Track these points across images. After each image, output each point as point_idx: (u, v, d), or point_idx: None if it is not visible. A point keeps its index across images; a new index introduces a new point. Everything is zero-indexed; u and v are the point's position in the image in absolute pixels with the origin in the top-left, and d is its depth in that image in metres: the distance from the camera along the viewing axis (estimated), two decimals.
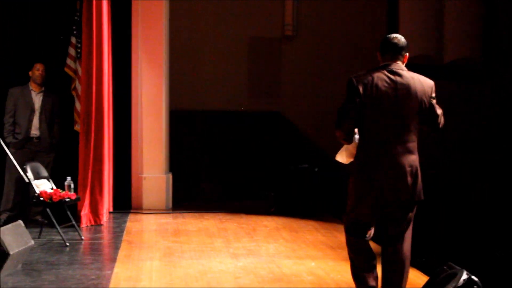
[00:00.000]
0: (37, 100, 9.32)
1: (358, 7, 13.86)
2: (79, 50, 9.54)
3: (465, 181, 11.84)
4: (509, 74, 13.52)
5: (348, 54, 12.92)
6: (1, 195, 9.30)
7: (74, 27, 9.66)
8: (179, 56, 12.76)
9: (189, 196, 11.86)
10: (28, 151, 9.15)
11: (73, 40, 9.69)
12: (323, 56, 13.43)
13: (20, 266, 6.82)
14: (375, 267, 5.30)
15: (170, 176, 10.82)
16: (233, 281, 6.48)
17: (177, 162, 11.58)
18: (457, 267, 5.33)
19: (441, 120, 5.15)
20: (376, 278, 5.28)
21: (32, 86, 9.35)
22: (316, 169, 10.47)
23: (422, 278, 6.32)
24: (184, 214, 10.25)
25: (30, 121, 9.22)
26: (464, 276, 5.14)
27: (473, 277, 5.14)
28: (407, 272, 5.23)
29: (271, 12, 13.79)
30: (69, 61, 9.74)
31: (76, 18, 9.64)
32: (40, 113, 9.29)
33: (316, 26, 13.86)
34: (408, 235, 5.19)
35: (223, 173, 12.98)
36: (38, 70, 9.34)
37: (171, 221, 9.73)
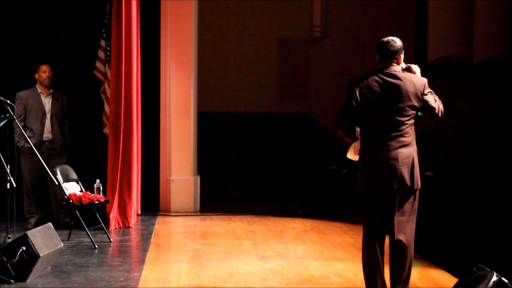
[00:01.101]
0: (47, 103, 9.22)
1: (387, 8, 13.81)
2: (108, 53, 9.56)
3: (496, 181, 11.75)
4: None
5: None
6: (22, 199, 9.18)
7: (103, 30, 9.68)
8: (208, 57, 12.81)
9: (217, 198, 11.87)
10: (42, 154, 8.94)
11: (103, 43, 9.71)
12: (352, 57, 13.38)
13: (49, 268, 6.86)
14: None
15: (198, 178, 10.83)
16: (261, 283, 6.47)
17: (205, 164, 11.59)
18: (487, 269, 5.28)
19: (439, 110, 5.49)
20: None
21: (40, 88, 9.23)
22: (345, 171, 10.42)
23: (451, 280, 6.27)
24: (212, 216, 10.26)
25: (42, 125, 9.13)
26: (494, 278, 5.09)
27: (503, 279, 5.09)
28: (410, 263, 5.51)
29: (299, 13, 13.79)
30: (98, 64, 9.75)
31: (105, 21, 9.66)
32: (52, 116, 9.20)
33: (345, 27, 13.83)
34: (410, 225, 5.51)
35: (251, 175, 12.99)
36: (45, 72, 9.19)
37: (199, 223, 9.75)
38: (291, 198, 11.20)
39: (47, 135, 9.19)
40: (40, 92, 9.22)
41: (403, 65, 5.57)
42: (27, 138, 8.17)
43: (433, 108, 5.43)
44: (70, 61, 10.28)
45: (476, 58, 13.89)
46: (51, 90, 9.30)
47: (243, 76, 13.66)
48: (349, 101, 5.49)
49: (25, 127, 8.98)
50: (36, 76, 9.25)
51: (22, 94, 9.17)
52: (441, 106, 5.49)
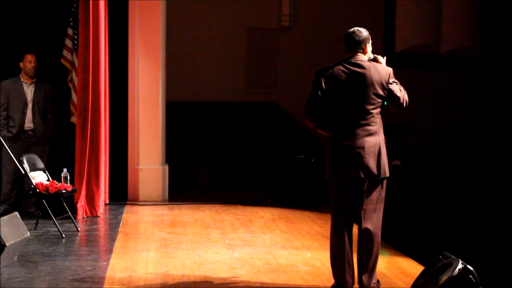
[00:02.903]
0: (29, 92, 9.25)
1: None
2: (75, 42, 9.48)
3: (460, 170, 11.88)
4: (505, 63, 13.57)
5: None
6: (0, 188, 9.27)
7: (70, 18, 9.57)
8: (177, 47, 12.75)
9: (186, 188, 11.85)
10: (23, 144, 9.11)
11: (70, 31, 9.61)
12: (320, 46, 13.41)
13: (16, 257, 6.81)
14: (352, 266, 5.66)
15: (167, 167, 10.80)
16: (229, 271, 6.48)
17: (173, 153, 11.56)
18: (453, 257, 5.33)
19: (404, 100, 5.58)
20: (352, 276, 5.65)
21: (24, 78, 9.27)
22: (313, 160, 10.47)
23: (418, 268, 6.32)
24: (180, 205, 10.24)
25: (23, 114, 9.17)
26: (459, 265, 5.14)
27: (468, 266, 5.14)
28: (377, 252, 5.61)
29: (268, 2, 13.77)
30: (65, 53, 9.66)
31: (73, 9, 9.56)
32: (33, 105, 9.22)
33: (313, 17, 13.85)
34: (378, 214, 5.59)
35: (219, 164, 12.99)
36: (30, 62, 9.23)
37: (167, 212, 9.73)
38: (260, 187, 11.22)
39: (28, 124, 9.23)
40: (23, 81, 9.27)
41: (370, 55, 5.65)
42: (9, 128, 8.19)
43: (398, 97, 5.52)
44: (38, 49, 10.16)
45: (443, 48, 14.00)
46: (34, 80, 9.33)
47: (212, 66, 13.63)
48: (315, 91, 5.57)
49: (7, 116, 9.13)
50: (21, 65, 9.28)
51: (4, 84, 9.22)
52: (406, 96, 5.58)
